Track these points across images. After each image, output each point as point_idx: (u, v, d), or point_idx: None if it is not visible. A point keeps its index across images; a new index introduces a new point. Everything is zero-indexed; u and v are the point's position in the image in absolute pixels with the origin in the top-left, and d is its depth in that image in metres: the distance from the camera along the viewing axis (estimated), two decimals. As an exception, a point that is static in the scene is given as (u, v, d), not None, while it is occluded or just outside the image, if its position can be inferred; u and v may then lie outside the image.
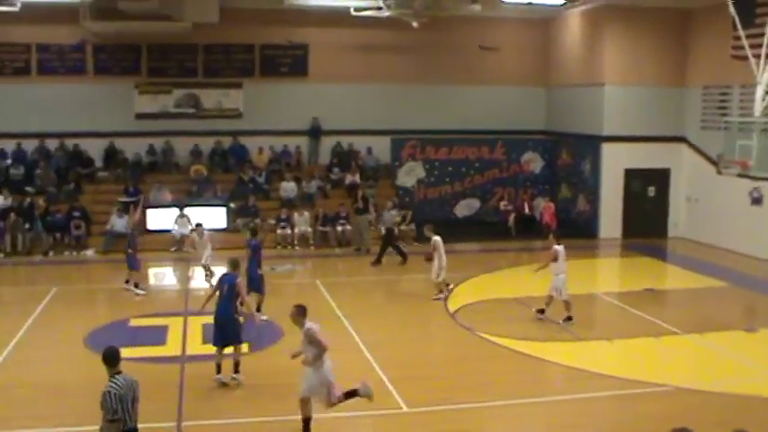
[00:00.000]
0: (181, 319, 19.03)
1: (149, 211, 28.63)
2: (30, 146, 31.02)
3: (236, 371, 14.79)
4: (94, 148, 31.44)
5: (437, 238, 21.17)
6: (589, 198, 31.32)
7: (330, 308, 20.27)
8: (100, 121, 31.23)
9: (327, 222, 29.11)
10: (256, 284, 18.93)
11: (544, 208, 31.26)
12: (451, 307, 20.32)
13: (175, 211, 28.28)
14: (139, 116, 31.85)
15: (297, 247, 28.32)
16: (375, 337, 17.73)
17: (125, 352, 16.29)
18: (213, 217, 28.66)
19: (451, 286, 21.73)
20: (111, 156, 31.54)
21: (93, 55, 31.52)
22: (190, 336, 17.81)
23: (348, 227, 28.84)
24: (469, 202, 33.31)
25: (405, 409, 13.60)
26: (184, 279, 24.58)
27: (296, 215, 28.86)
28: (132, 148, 31.62)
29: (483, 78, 33.32)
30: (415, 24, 28.61)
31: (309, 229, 28.74)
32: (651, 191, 30.94)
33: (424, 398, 14.08)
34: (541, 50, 34.08)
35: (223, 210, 29.27)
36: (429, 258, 21.51)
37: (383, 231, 26.92)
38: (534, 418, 13.70)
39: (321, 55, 32.56)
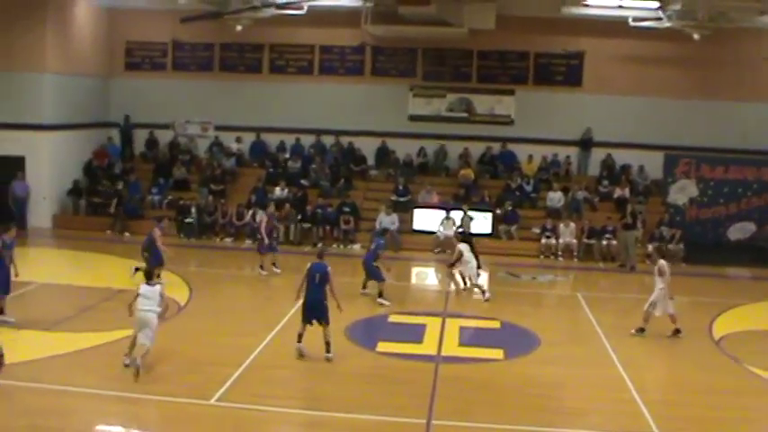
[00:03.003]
0: (439, 319, 19.31)
1: (416, 212, 29.36)
2: (307, 141, 32.75)
3: (328, 350, 15.66)
4: (367, 147, 32.65)
5: (461, 246, 22.15)
6: None
7: (589, 322, 19.91)
8: (374, 121, 32.41)
9: (593, 235, 28.52)
10: (374, 274, 21.23)
11: (827, 236, 29.27)
12: (716, 334, 19.39)
13: (441, 214, 28.77)
14: (412, 118, 32.72)
15: (560, 258, 28.02)
16: (632, 355, 17.18)
17: (382, 346, 16.93)
18: (478, 222, 28.92)
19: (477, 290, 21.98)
20: (383, 155, 32.61)
21: (372, 57, 32.80)
22: (446, 337, 18.07)
23: (614, 241, 28.13)
24: (744, 225, 31.54)
25: (657, 433, 13.13)
26: (445, 280, 24.95)
27: (561, 226, 28.56)
28: (404, 149, 32.51)
29: (767, 94, 31.57)
30: (696, 36, 27.64)
31: (574, 241, 28.34)
32: None
33: (676, 425, 13.49)
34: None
35: (488, 215, 29.42)
36: (451, 265, 22.60)
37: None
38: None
39: (596, 65, 32.03)
